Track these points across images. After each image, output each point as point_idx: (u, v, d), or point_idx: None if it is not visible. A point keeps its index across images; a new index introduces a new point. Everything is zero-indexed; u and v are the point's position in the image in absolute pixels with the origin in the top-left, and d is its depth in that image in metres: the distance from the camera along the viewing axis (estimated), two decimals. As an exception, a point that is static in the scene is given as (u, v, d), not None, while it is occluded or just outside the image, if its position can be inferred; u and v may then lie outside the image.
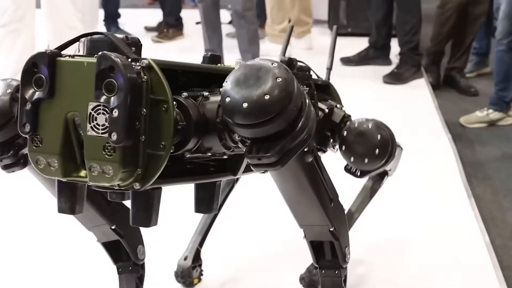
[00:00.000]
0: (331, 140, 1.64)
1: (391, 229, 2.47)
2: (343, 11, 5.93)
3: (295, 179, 1.27)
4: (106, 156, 0.97)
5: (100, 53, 0.97)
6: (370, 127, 1.60)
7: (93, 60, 0.98)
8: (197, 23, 5.58)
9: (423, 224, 2.51)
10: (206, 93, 1.11)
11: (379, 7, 4.86)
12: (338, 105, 1.68)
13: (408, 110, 4.08)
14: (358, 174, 1.64)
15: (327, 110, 1.61)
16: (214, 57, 1.22)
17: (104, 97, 0.96)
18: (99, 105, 0.97)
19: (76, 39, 1.06)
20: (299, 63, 1.51)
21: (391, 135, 1.63)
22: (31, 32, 3.65)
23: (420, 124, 3.80)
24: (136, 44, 1.04)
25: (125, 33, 1.31)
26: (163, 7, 6.08)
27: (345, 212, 1.73)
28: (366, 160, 1.59)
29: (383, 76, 4.63)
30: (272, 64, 1.03)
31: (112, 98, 0.95)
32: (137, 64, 0.98)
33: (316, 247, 1.44)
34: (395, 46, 4.91)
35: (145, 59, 0.99)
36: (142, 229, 1.53)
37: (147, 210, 1.06)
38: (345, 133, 1.60)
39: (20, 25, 3.56)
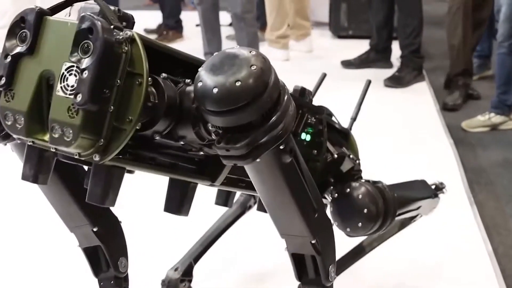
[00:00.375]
0: (331, 187, 1.60)
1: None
2: (344, 13, 5.89)
3: (271, 181, 1.17)
4: (68, 117, 0.96)
5: (82, 14, 0.97)
6: (361, 197, 1.55)
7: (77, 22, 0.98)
8: (197, 25, 5.55)
9: (423, 231, 2.46)
10: (188, 80, 1.09)
11: (380, 9, 4.82)
12: (352, 156, 1.63)
13: (409, 114, 4.04)
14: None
15: (336, 156, 1.57)
16: None
17: (78, 57, 0.96)
18: (73, 66, 0.96)
19: (69, 3, 1.08)
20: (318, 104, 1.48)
21: (387, 208, 1.58)
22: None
23: (421, 128, 3.76)
24: (128, 20, 1.03)
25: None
26: (163, 9, 6.05)
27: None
28: (348, 229, 1.58)
29: (384, 79, 4.59)
30: (250, 52, 1.01)
31: (85, 59, 0.95)
32: (120, 33, 0.97)
33: (298, 261, 1.31)
34: (396, 49, 4.87)
35: (129, 31, 0.98)
36: (127, 239, 1.47)
37: (105, 187, 1.03)
38: (336, 195, 1.58)
39: (21, 26, 3.54)
